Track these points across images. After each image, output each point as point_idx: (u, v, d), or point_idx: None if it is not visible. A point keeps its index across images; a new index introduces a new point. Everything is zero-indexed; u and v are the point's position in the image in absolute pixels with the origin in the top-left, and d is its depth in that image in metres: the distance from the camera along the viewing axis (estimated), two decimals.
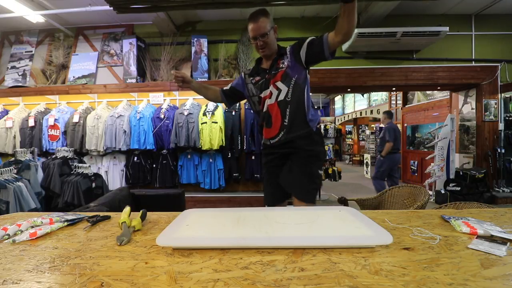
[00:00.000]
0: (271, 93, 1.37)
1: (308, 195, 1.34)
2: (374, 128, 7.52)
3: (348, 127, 12.36)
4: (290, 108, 1.34)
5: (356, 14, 1.13)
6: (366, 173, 7.37)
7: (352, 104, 10.20)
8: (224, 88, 1.59)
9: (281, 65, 1.38)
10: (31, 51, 4.37)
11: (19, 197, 2.23)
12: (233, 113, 3.58)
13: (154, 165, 3.75)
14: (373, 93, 8.29)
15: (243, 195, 3.77)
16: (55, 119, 3.71)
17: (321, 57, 1.31)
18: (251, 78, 1.48)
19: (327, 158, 6.11)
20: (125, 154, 3.81)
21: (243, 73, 1.56)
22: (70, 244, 0.61)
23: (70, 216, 0.80)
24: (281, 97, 1.35)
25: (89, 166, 2.78)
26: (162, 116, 3.57)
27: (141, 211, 0.78)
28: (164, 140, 3.57)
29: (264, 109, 1.41)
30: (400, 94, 6.78)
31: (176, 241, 0.57)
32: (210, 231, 0.64)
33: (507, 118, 4.19)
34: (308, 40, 1.34)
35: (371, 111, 8.57)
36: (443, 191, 4.07)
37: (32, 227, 0.70)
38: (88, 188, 2.64)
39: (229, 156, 3.66)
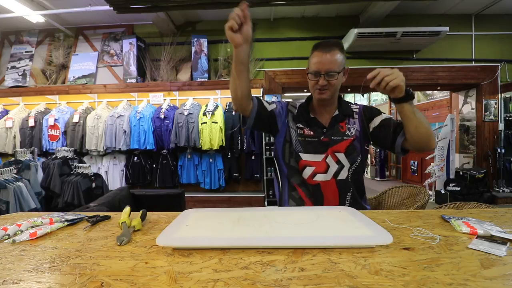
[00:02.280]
0: (327, 165, 1.05)
1: None
2: None
3: None
4: (352, 192, 1.06)
5: (419, 117, 0.90)
6: (366, 173, 7.37)
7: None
8: (260, 100, 1.11)
9: (347, 131, 1.08)
10: (31, 51, 4.37)
11: (19, 197, 2.23)
12: (233, 113, 3.58)
13: (154, 165, 3.76)
14: (373, 93, 8.29)
15: (243, 195, 3.77)
16: (55, 119, 3.71)
17: (388, 147, 1.05)
18: (297, 125, 1.11)
19: None
20: (125, 154, 3.81)
21: (287, 104, 1.18)
22: (70, 244, 0.61)
23: (70, 216, 0.80)
24: (342, 175, 1.05)
25: (89, 166, 2.78)
26: (162, 116, 3.57)
27: (141, 211, 0.78)
28: (164, 140, 3.57)
29: (313, 182, 1.06)
30: None
31: (176, 241, 0.57)
32: (210, 231, 0.64)
33: (507, 118, 4.18)
34: (383, 117, 1.07)
35: None
36: (443, 191, 4.07)
37: (32, 227, 0.70)
38: (88, 188, 2.64)
39: (229, 156, 3.66)
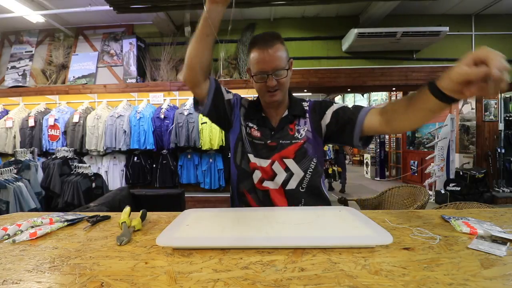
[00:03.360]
0: (273, 173, 0.93)
1: None
2: None
3: None
4: (304, 202, 0.92)
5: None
6: (366, 173, 7.37)
7: (352, 104, 10.19)
8: (219, 84, 0.98)
9: (296, 133, 0.95)
10: (31, 51, 4.37)
11: (19, 197, 2.23)
12: None
13: (154, 165, 3.75)
14: (373, 93, 8.29)
15: None
16: (55, 119, 3.71)
17: (346, 143, 0.93)
18: (247, 123, 1.00)
19: (327, 158, 6.11)
20: (125, 154, 3.81)
21: (240, 98, 1.05)
22: (70, 244, 0.61)
23: (70, 216, 0.80)
24: (292, 184, 0.92)
25: (89, 166, 2.78)
26: (162, 116, 3.57)
27: (141, 211, 0.78)
28: (164, 140, 3.58)
29: (262, 188, 0.94)
30: (400, 94, 6.78)
31: (176, 241, 0.57)
32: (210, 231, 0.64)
33: (507, 118, 4.19)
34: (334, 108, 0.94)
35: None
36: (443, 191, 4.07)
37: (32, 227, 0.70)
38: (88, 188, 2.65)
39: (229, 156, 3.66)
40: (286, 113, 0.99)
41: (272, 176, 0.93)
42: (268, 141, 0.95)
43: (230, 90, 1.05)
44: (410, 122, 0.74)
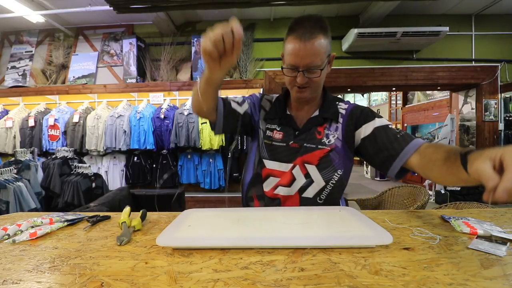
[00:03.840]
0: (292, 177, 0.85)
1: None
2: None
3: None
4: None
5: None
6: (366, 173, 7.38)
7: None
8: (228, 104, 0.92)
9: (324, 138, 0.86)
10: (31, 51, 4.37)
11: (19, 197, 2.23)
12: None
13: (154, 165, 3.75)
14: (373, 93, 8.29)
15: None
16: (55, 119, 3.71)
17: (377, 168, 0.84)
18: (267, 125, 0.93)
19: None
20: (125, 154, 3.81)
21: (260, 99, 0.98)
22: (70, 244, 0.61)
23: (70, 216, 0.80)
24: (310, 192, 0.85)
25: (89, 166, 2.79)
26: (162, 116, 3.57)
27: (141, 211, 0.78)
28: (164, 140, 3.58)
29: (272, 196, 0.88)
30: (400, 94, 6.79)
31: (176, 241, 0.57)
32: (210, 231, 0.64)
33: (507, 118, 4.19)
34: (377, 124, 0.82)
35: None
36: (443, 191, 4.08)
37: (32, 227, 0.70)
38: (88, 188, 2.65)
39: (229, 156, 3.67)
40: (316, 113, 0.89)
41: (290, 182, 0.86)
42: (291, 142, 0.87)
43: (246, 96, 0.98)
44: (443, 180, 0.66)
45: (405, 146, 0.75)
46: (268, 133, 0.92)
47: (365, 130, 0.83)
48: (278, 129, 0.91)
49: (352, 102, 0.95)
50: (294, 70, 0.79)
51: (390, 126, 0.83)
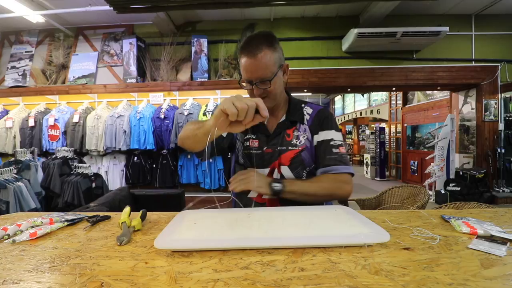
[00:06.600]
0: None
1: None
2: (374, 128, 7.54)
3: (348, 127, 12.37)
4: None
5: (306, 191, 0.84)
6: (366, 173, 7.37)
7: (352, 104, 10.20)
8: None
9: (294, 139, 0.92)
10: (31, 51, 4.37)
11: (19, 197, 2.23)
12: None
13: (154, 165, 3.75)
14: (373, 93, 8.29)
15: None
16: (55, 119, 3.72)
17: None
18: (246, 136, 0.98)
19: None
20: (125, 154, 3.81)
21: None
22: (70, 244, 0.61)
23: (70, 216, 0.80)
24: None
25: (89, 166, 2.79)
26: (162, 116, 3.57)
27: (141, 211, 0.78)
28: (164, 140, 3.58)
29: (260, 201, 0.92)
30: (400, 94, 6.78)
31: (175, 243, 0.57)
32: (209, 232, 0.63)
33: (507, 118, 4.19)
34: (321, 138, 0.92)
35: (371, 111, 8.58)
36: (443, 191, 4.07)
37: (32, 227, 0.70)
38: (88, 188, 2.65)
39: (229, 156, 3.66)
40: (284, 118, 0.95)
41: None
42: (264, 148, 0.93)
43: None
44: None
45: (322, 167, 0.89)
46: (246, 143, 0.98)
47: (318, 136, 0.93)
48: (254, 137, 0.97)
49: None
50: (249, 83, 0.87)
51: (331, 143, 0.92)
